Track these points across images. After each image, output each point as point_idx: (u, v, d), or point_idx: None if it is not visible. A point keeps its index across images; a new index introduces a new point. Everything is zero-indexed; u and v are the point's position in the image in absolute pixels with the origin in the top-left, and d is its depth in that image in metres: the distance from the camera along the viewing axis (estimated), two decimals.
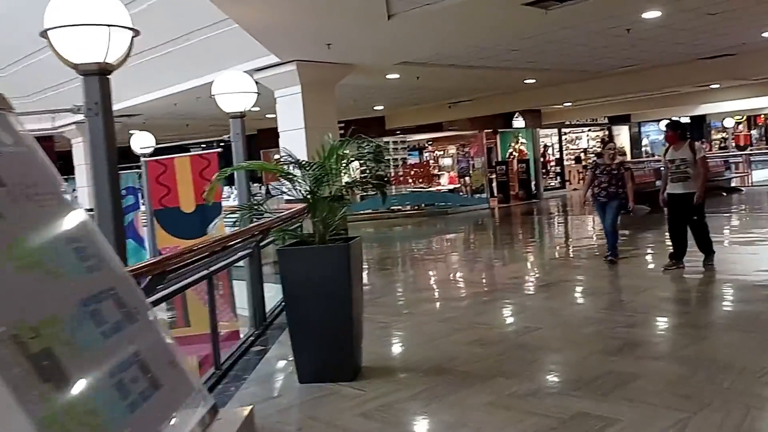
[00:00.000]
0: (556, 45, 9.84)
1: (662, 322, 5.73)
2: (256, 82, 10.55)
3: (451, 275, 9.60)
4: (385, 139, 20.65)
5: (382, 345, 5.68)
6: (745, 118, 32.27)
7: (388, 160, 20.88)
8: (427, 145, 25.36)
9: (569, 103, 21.82)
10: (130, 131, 15.30)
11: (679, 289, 7.24)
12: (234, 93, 6.59)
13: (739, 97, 20.95)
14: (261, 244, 6.39)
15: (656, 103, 22.78)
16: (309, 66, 9.47)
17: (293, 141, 9.91)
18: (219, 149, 7.11)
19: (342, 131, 18.92)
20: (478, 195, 21.43)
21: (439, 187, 21.19)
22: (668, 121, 8.49)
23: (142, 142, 12.51)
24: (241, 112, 6.72)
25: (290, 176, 4.89)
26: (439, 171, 22.55)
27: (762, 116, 34.30)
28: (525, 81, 13.88)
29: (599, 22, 8.56)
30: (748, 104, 24.56)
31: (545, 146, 26.67)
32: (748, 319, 5.61)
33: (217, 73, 10.53)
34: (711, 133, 32.65)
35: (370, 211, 20.57)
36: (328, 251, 4.79)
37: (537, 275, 8.88)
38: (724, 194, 19.11)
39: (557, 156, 27.13)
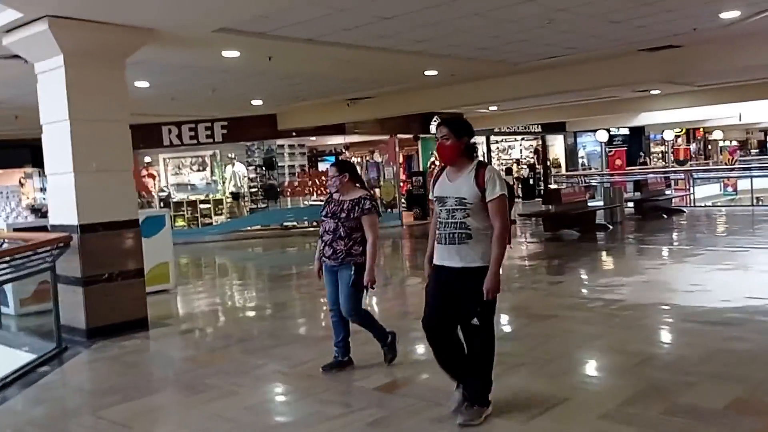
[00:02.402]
0: (441, 12, 6.93)
1: None
2: (12, 56, 7.40)
3: (289, 344, 6.54)
4: (279, 141, 17.54)
5: None
6: (684, 131, 30.46)
7: (282, 167, 17.78)
8: (343, 150, 22.31)
9: (495, 107, 19.18)
10: None
11: None
12: None
13: (680, 106, 18.68)
14: None
15: (592, 110, 20.34)
16: (72, 26, 6.28)
17: (57, 138, 6.71)
18: None
19: (225, 131, 15.74)
20: (389, 210, 18.51)
21: None
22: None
23: None
24: None
25: None
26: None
27: (701, 129, 32.68)
28: (426, 72, 10.99)
29: None
30: (688, 115, 22.49)
31: None
32: None
33: None
34: (650, 146, 30.72)
35: (259, 227, 17.47)
36: None
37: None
38: (665, 216, 16.72)
39: None
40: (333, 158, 23.61)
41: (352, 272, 4.77)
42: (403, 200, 20.92)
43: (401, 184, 21.54)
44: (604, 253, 11.96)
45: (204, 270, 12.90)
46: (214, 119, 16.60)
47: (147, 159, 17.35)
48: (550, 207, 14.27)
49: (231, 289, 10.30)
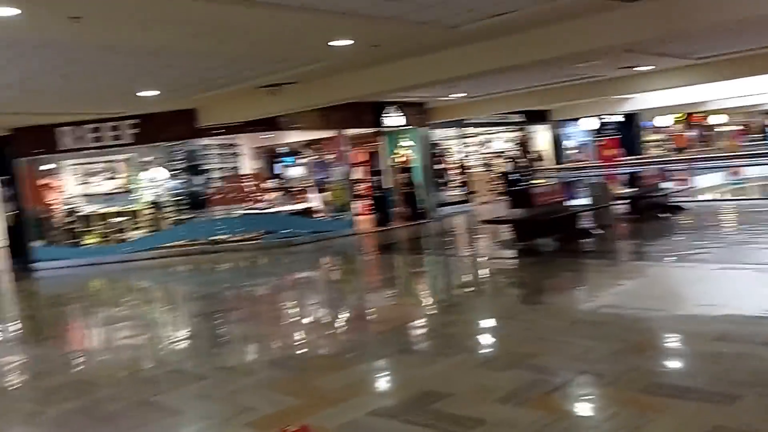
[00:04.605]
0: None
1: None
2: None
3: None
4: (204, 141, 14.82)
5: None
6: (683, 116, 27.72)
7: (209, 170, 15.05)
8: (302, 149, 19.55)
9: (461, 94, 16.46)
10: None
11: None
12: None
13: (678, 85, 15.92)
14: None
15: (577, 94, 17.54)
16: None
17: None
18: None
19: (135, 130, 12.80)
20: (340, 217, 15.80)
21: (285, 208, 15.45)
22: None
23: None
24: None
25: None
26: (286, 186, 16.75)
27: (700, 114, 29.97)
28: (334, 42, 8.24)
29: None
30: (687, 97, 19.69)
31: (443, 150, 21.30)
32: None
33: None
34: (642, 134, 27.95)
35: (184, 242, 14.76)
36: None
37: None
38: (662, 215, 13.99)
39: (461, 162, 21.81)
40: (292, 159, 20.92)
41: None
42: (371, 203, 18.28)
43: (367, 185, 18.93)
44: (584, 274, 9.21)
45: (76, 308, 10.13)
46: (121, 117, 13.88)
47: (48, 167, 14.62)
48: (522, 211, 11.56)
49: (83, 340, 7.58)
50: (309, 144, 19.06)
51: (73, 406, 4.90)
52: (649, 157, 22.45)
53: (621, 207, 14.24)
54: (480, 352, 5.48)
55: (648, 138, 26.22)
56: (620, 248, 11.37)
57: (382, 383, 4.93)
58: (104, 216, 14.85)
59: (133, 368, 5.87)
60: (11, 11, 5.55)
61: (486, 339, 6.08)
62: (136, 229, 14.92)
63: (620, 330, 5.68)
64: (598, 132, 23.57)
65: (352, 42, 8.23)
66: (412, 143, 18.35)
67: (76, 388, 5.33)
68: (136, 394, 5.00)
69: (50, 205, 14.56)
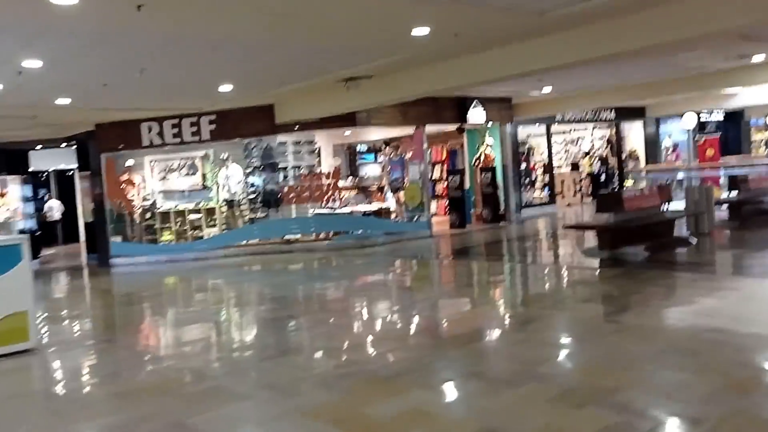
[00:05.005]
0: None
1: None
2: None
3: None
4: (280, 138, 14.61)
5: None
6: None
7: (284, 168, 14.82)
8: (382, 146, 19.17)
9: (548, 89, 15.55)
10: None
11: None
12: None
13: None
14: None
15: (675, 89, 16.19)
16: None
17: None
18: None
19: (212, 126, 12.21)
20: (415, 218, 15.24)
21: (358, 208, 15.06)
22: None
23: None
24: None
25: None
26: (357, 185, 16.36)
27: None
28: (414, 31, 7.69)
29: None
30: None
31: (528, 149, 20.34)
32: None
33: None
34: (750, 133, 25.83)
35: (258, 241, 14.63)
36: None
37: None
38: None
39: (546, 161, 20.76)
40: (372, 156, 20.58)
41: None
42: (448, 204, 17.68)
43: (445, 185, 18.31)
44: (678, 290, 8.24)
45: (143, 309, 10.02)
46: (201, 113, 13.87)
47: (127, 162, 14.82)
48: (608, 216, 10.65)
49: (152, 341, 7.39)
50: (389, 141, 18.62)
51: (106, 423, 4.60)
52: (756, 158, 20.65)
53: (722, 213, 13.04)
54: (553, 381, 4.80)
55: (756, 137, 24.16)
56: (721, 260, 10.29)
57: (439, 416, 4.35)
58: (180, 213, 14.93)
59: (179, 381, 5.53)
60: None
61: (561, 365, 5.38)
62: (212, 226, 14.92)
63: (721, 361, 4.89)
64: (698, 130, 21.93)
65: (429, 30, 7.64)
66: (494, 141, 17.56)
67: (115, 403, 5.03)
68: (172, 414, 4.64)
69: (129, 200, 14.75)
